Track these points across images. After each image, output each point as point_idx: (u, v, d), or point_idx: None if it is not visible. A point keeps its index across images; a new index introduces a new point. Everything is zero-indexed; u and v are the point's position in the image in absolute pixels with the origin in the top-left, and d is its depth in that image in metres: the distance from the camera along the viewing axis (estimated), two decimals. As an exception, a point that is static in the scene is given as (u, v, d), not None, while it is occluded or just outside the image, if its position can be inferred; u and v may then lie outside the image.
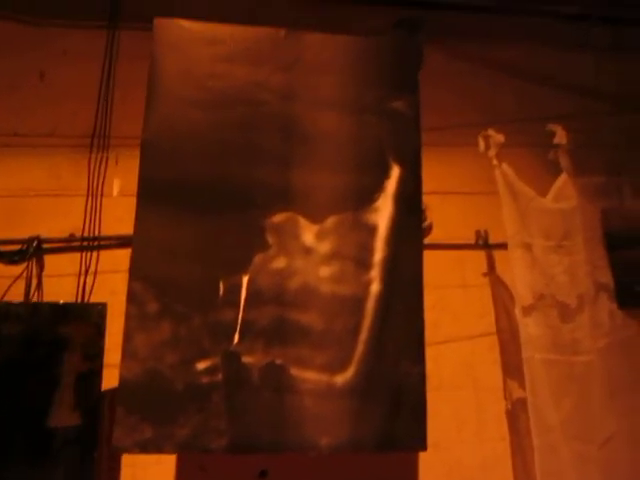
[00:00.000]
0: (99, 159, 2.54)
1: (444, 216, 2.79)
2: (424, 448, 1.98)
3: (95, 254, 2.46)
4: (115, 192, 2.50)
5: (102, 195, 2.51)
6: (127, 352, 1.89)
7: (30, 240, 2.42)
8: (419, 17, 2.85)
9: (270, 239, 2.02)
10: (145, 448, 1.87)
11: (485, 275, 2.79)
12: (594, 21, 3.09)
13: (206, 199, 2.01)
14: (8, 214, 2.47)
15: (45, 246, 2.44)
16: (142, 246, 1.95)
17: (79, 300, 2.38)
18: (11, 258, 2.39)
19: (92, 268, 2.45)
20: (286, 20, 2.49)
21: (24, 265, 2.41)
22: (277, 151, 2.11)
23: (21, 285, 2.40)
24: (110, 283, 2.43)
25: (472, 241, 2.80)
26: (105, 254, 2.49)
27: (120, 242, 2.42)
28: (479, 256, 2.82)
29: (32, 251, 2.39)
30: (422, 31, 2.83)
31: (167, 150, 2.03)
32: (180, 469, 2.35)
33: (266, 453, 1.93)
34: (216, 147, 2.06)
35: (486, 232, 2.81)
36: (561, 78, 3.04)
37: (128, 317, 1.91)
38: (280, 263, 2.00)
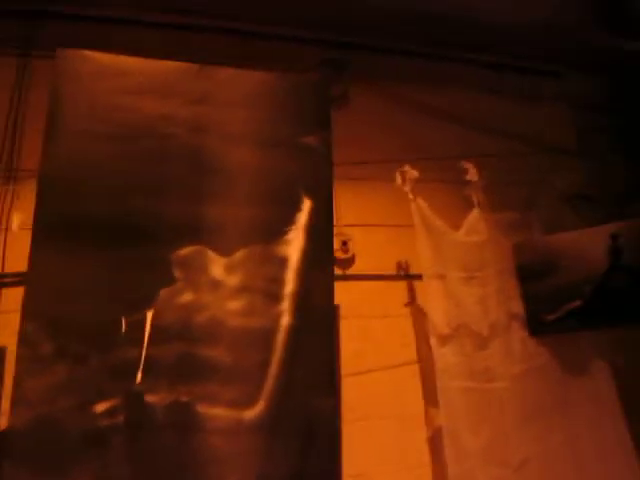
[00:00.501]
0: (3, 192, 2.44)
1: (366, 247, 2.84)
2: (338, 484, 1.95)
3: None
4: (15, 226, 2.40)
5: (6, 229, 2.40)
6: (17, 398, 1.78)
7: None
8: (344, 57, 2.97)
9: (176, 273, 1.97)
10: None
11: (406, 305, 2.84)
12: (509, 69, 3.32)
13: (107, 234, 1.96)
14: None
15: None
16: (36, 284, 1.87)
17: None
18: None
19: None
20: (206, 55, 2.52)
21: None
22: (185, 184, 2.09)
23: None
24: (12, 324, 2.31)
25: (394, 272, 2.85)
26: (7, 292, 2.36)
27: (23, 279, 2.31)
28: (400, 287, 2.87)
29: None
30: (346, 70, 2.95)
31: (66, 184, 1.98)
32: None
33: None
34: (120, 181, 2.02)
35: (407, 263, 2.87)
36: (480, 120, 3.21)
37: (19, 360, 1.80)
38: (187, 297, 1.96)
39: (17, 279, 2.36)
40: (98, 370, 1.83)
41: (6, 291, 2.36)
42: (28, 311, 1.85)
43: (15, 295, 2.35)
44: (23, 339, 1.82)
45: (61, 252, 1.90)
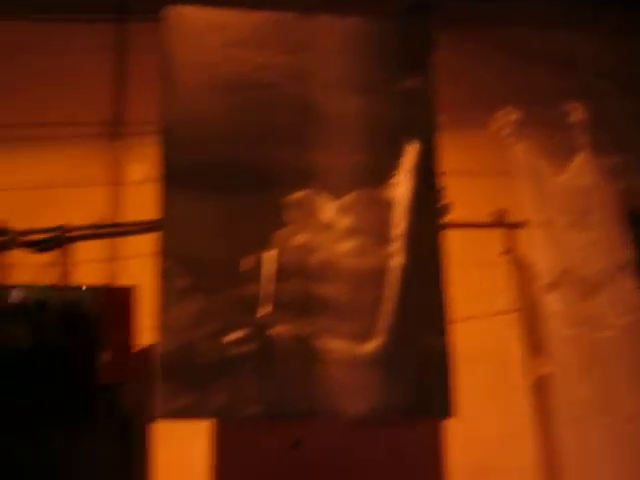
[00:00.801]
0: (119, 147, 2.61)
1: (463, 195, 2.80)
2: (451, 416, 2.00)
3: (119, 240, 2.52)
4: (135, 178, 2.56)
5: (122, 182, 2.57)
6: (163, 325, 1.95)
7: (56, 229, 2.48)
8: (430, 1, 2.90)
9: (289, 216, 2.06)
10: (182, 415, 1.93)
11: (503, 253, 2.80)
12: (611, 7, 3.12)
13: (226, 180, 2.06)
14: (34, 205, 2.54)
15: (71, 234, 2.50)
16: (171, 226, 2.00)
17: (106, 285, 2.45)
18: (38, 247, 2.45)
19: (117, 254, 2.51)
20: (295, 3, 2.54)
21: (51, 254, 2.47)
22: (293, 131, 2.15)
23: (49, 273, 2.47)
24: (135, 267, 2.49)
25: (491, 220, 2.81)
26: (128, 240, 2.54)
27: (143, 227, 2.48)
28: (498, 235, 2.83)
29: (59, 240, 2.45)
30: (434, 15, 2.88)
31: (186, 135, 2.08)
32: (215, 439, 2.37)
33: (297, 420, 1.97)
34: (233, 129, 2.11)
35: (505, 211, 2.81)
36: (584, 60, 3.05)
37: (161, 292, 1.96)
38: (301, 239, 2.05)
39: (137, 227, 2.53)
40: (228, 303, 1.96)
41: (127, 239, 2.55)
42: (166, 250, 2.00)
43: (136, 242, 2.54)
44: (164, 274, 1.97)
45: (189, 197, 2.03)
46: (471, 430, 2.52)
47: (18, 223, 2.49)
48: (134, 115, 2.69)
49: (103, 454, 2.30)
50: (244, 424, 2.21)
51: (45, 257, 2.48)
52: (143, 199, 2.42)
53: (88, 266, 2.51)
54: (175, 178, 2.04)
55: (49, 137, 2.63)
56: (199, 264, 1.98)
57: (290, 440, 2.38)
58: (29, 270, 2.45)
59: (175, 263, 1.98)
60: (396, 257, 2.07)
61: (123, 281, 2.47)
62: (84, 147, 2.66)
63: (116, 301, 2.37)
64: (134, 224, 2.53)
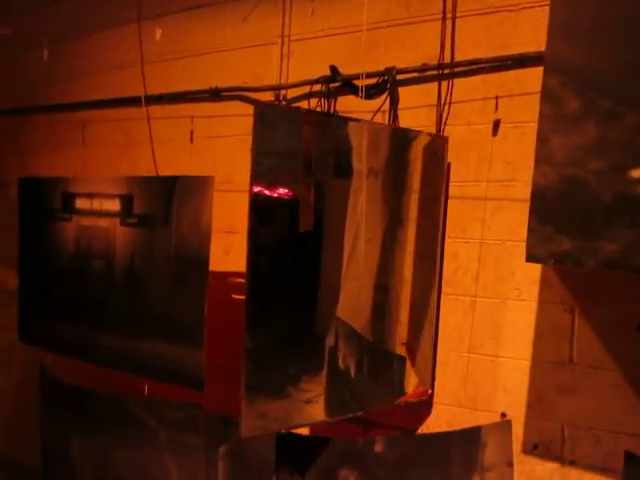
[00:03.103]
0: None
1: None
2: None
3: (449, 82, 2.28)
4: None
5: (455, 17, 2.28)
6: (542, 157, 1.65)
7: (386, 72, 2.32)
8: None
9: None
10: (562, 260, 1.66)
11: None
12: None
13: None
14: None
15: (399, 78, 2.32)
16: (558, 33, 1.64)
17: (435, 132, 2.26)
18: (368, 92, 2.33)
19: (447, 99, 2.28)
20: None
21: (381, 99, 2.33)
22: None
23: (378, 120, 2.35)
24: (465, 113, 2.25)
25: None
26: (460, 82, 2.29)
27: (477, 68, 2.19)
28: None
29: (389, 84, 2.29)
30: None
31: None
32: (542, 308, 2.14)
33: None
34: None
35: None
36: None
37: (543, 117, 1.65)
38: None
39: (470, 68, 2.25)
40: (635, 130, 1.56)
41: (459, 81, 2.29)
42: (550, 64, 1.66)
43: (467, 85, 2.27)
44: (547, 95, 1.65)
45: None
46: None
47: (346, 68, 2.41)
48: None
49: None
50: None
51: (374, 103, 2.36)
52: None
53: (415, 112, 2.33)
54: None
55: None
56: (594, 80, 1.59)
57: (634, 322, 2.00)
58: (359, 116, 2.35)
59: (561, 80, 1.62)
60: None
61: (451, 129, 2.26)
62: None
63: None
64: (465, 63, 2.25)
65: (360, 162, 2.01)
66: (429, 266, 2.23)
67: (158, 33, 3.14)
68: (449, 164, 2.26)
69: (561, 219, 1.65)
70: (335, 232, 1.98)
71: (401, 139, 2.16)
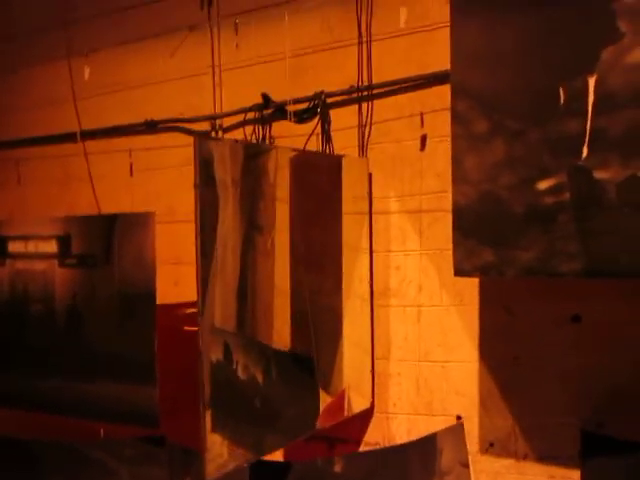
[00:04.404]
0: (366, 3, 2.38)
1: None
2: None
3: (368, 104, 2.37)
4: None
5: (370, 41, 2.37)
6: (458, 176, 1.75)
7: (316, 96, 2.38)
8: None
9: (622, 26, 1.65)
10: (487, 271, 1.75)
11: None
12: None
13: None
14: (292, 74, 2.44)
15: (329, 100, 2.39)
16: (461, 59, 1.75)
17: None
18: (301, 116, 2.39)
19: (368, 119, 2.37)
20: None
21: (314, 122, 2.40)
22: None
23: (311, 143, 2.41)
24: (394, 131, 2.34)
25: None
26: (387, 101, 2.37)
27: (400, 87, 2.29)
28: None
29: (319, 107, 2.36)
30: None
31: None
32: (483, 311, 2.23)
33: (626, 279, 1.69)
34: None
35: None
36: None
37: (455, 138, 1.75)
38: (636, 56, 1.64)
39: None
40: (537, 146, 1.69)
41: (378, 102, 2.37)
42: (457, 89, 1.77)
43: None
44: (457, 117, 1.75)
45: (481, 21, 1.73)
46: None
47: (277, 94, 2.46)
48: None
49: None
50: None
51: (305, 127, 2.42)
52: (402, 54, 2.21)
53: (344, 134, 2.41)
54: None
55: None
56: (498, 102, 1.70)
57: (567, 315, 2.12)
58: (292, 141, 2.41)
59: (469, 104, 1.73)
60: None
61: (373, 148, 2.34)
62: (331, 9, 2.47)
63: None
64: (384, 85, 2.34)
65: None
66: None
67: (87, 72, 3.13)
68: (371, 176, 2.34)
69: (482, 232, 1.75)
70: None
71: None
